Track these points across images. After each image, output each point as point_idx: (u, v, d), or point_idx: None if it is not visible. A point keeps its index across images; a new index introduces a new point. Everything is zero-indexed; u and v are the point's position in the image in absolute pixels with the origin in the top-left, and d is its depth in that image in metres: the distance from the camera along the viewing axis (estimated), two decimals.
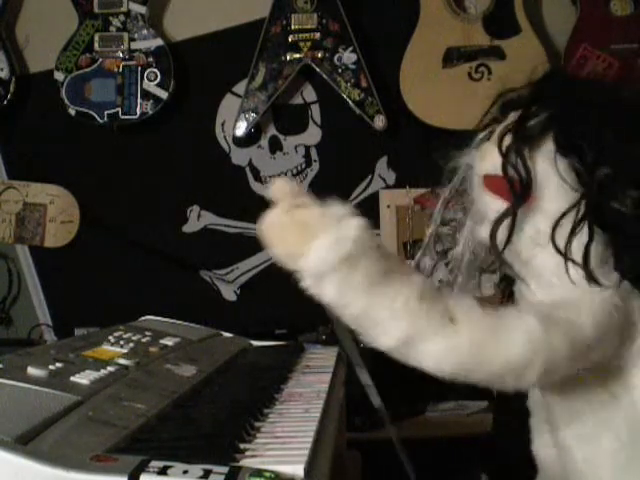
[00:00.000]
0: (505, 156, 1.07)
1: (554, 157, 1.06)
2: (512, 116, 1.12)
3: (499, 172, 1.08)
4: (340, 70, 2.50)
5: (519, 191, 1.06)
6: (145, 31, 2.56)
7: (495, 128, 1.14)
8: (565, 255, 1.04)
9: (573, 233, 1.04)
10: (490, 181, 1.11)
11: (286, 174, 2.64)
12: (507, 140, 1.09)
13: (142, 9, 2.56)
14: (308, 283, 0.98)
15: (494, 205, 1.09)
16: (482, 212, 1.13)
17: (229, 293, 2.65)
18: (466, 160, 1.15)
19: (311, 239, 0.95)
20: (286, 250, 0.97)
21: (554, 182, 1.06)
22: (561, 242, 1.05)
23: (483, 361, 0.95)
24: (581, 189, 1.04)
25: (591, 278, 1.03)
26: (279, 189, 1.00)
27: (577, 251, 1.04)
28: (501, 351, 0.94)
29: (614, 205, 1.04)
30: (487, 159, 1.11)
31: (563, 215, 1.05)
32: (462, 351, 0.94)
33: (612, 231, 1.05)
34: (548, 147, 1.07)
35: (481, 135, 1.17)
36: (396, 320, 0.93)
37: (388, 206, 2.60)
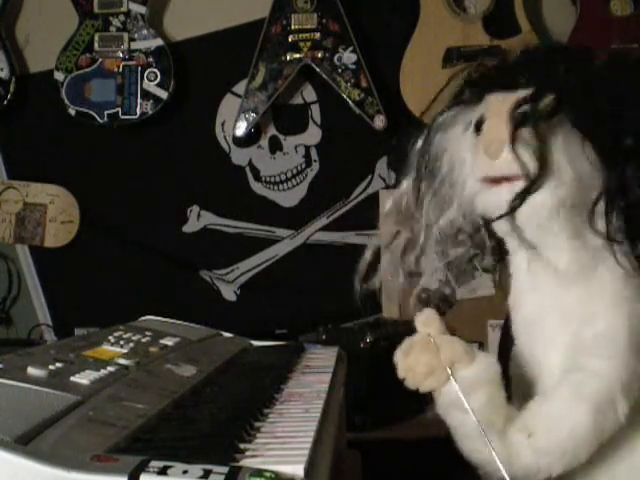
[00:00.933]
0: (516, 142, 1.03)
1: (571, 135, 1.04)
2: (497, 98, 1.08)
3: (512, 170, 1.05)
4: (340, 70, 2.50)
5: (532, 178, 1.03)
6: (145, 31, 2.56)
7: (465, 113, 1.12)
8: (608, 236, 1.03)
9: (610, 211, 1.02)
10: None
11: (286, 174, 2.64)
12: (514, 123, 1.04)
13: (142, 9, 2.56)
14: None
15: (500, 196, 1.07)
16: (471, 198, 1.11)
17: (229, 293, 2.65)
18: (433, 149, 1.13)
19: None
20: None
21: (575, 157, 1.04)
22: (599, 224, 1.04)
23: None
24: (604, 165, 1.03)
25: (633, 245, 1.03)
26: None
27: (616, 230, 1.03)
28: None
29: None
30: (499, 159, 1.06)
31: (598, 199, 1.03)
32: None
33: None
34: (564, 126, 1.04)
35: (444, 117, 1.14)
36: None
37: None
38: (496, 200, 1.07)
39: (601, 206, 1.03)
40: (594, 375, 1.01)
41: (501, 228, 1.11)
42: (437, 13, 2.50)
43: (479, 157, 1.07)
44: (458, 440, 1.05)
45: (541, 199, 1.04)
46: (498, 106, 1.07)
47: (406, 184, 1.17)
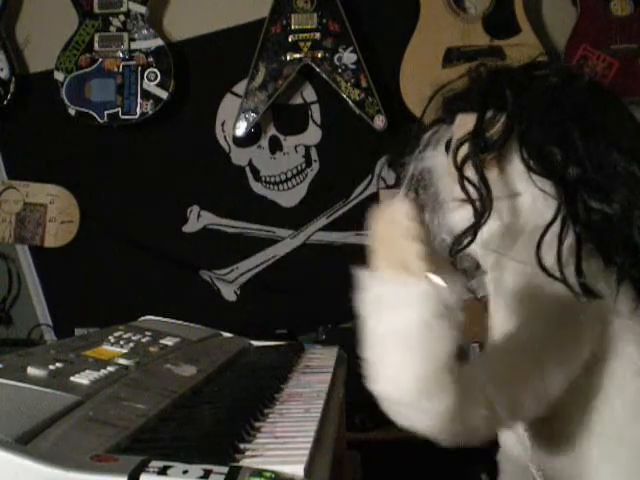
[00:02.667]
0: (461, 171, 1.06)
1: (522, 163, 1.06)
2: (460, 120, 1.10)
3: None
4: (340, 70, 2.50)
5: (480, 208, 1.05)
6: (145, 31, 2.56)
7: (442, 129, 1.13)
8: (561, 274, 1.03)
9: (560, 242, 1.03)
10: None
11: (286, 174, 2.64)
12: (463, 152, 1.07)
13: (142, 9, 2.56)
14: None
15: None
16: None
17: (229, 293, 2.65)
18: (422, 164, 1.14)
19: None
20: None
21: (524, 187, 1.06)
22: (548, 257, 1.04)
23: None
24: (555, 193, 1.04)
25: (586, 290, 1.03)
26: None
27: (567, 264, 1.03)
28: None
29: (596, 205, 1.03)
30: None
31: (548, 227, 1.04)
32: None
33: (598, 234, 1.04)
34: (512, 154, 1.07)
35: (427, 135, 1.15)
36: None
37: None
38: (456, 221, 1.09)
39: (552, 233, 1.04)
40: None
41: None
42: (437, 13, 2.50)
43: (448, 178, 1.10)
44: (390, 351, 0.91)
45: (491, 228, 1.06)
46: (460, 130, 1.10)
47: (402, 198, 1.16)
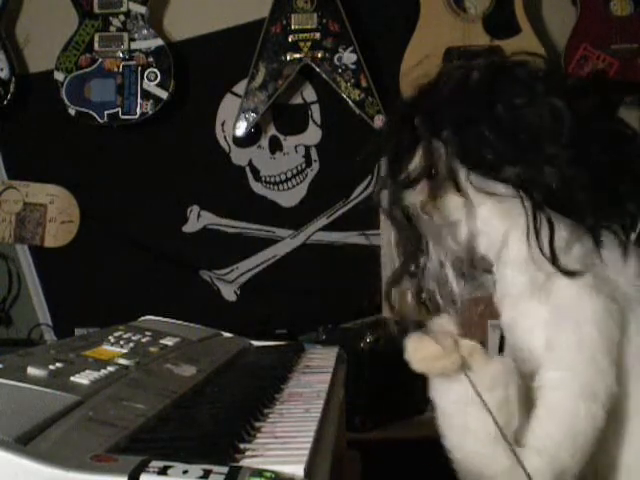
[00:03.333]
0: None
1: (465, 179, 1.07)
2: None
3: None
4: (340, 70, 2.50)
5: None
6: (145, 31, 2.56)
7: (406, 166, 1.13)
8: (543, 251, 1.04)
9: (538, 232, 1.04)
10: None
11: (286, 174, 2.64)
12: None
13: (142, 9, 2.56)
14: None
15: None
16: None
17: (229, 293, 2.65)
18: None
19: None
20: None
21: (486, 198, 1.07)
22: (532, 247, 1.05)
23: None
24: (514, 191, 1.05)
25: (563, 269, 1.04)
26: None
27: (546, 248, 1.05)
28: None
29: (560, 186, 1.03)
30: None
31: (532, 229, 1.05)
32: None
33: (573, 210, 1.05)
34: (455, 173, 1.08)
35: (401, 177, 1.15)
36: None
37: None
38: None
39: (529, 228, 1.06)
40: (553, 388, 1.03)
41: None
42: (437, 13, 2.50)
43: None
44: (457, 441, 1.02)
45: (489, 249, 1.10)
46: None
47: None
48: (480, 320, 1.19)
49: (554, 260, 1.04)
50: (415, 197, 1.10)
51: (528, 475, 0.95)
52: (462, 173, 1.07)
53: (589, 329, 1.03)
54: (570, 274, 1.04)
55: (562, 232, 1.05)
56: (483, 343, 1.05)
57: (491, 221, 1.08)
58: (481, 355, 1.01)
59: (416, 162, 1.09)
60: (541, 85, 1.07)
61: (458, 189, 1.07)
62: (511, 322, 1.12)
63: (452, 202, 1.09)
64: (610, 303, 1.04)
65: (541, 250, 1.04)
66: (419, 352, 1.02)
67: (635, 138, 1.09)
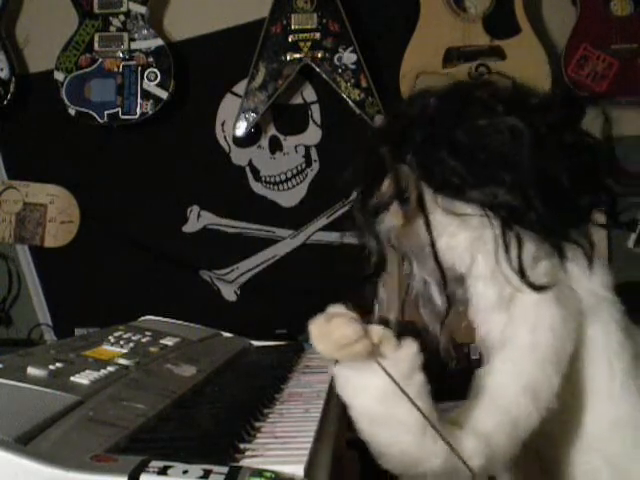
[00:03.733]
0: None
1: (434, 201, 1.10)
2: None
3: None
4: (340, 70, 2.50)
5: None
6: (145, 31, 2.56)
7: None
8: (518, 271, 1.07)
9: (507, 248, 1.07)
10: None
11: (286, 174, 2.64)
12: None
13: (142, 9, 2.56)
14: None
15: None
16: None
17: (229, 293, 2.65)
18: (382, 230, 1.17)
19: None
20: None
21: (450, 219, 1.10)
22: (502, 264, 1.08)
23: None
24: (482, 211, 1.08)
25: (530, 284, 1.07)
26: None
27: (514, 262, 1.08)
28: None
29: (506, 199, 1.06)
30: None
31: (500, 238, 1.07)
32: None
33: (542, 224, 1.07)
34: (429, 195, 1.11)
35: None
36: None
37: None
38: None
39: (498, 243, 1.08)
40: (499, 376, 1.05)
41: None
42: (437, 13, 2.50)
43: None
44: (389, 437, 0.97)
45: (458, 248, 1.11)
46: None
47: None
48: (466, 333, 1.20)
49: (522, 275, 1.06)
50: (390, 221, 1.14)
51: (463, 460, 0.95)
52: (429, 195, 1.10)
53: (545, 334, 1.05)
54: (537, 288, 1.06)
55: (529, 247, 1.08)
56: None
57: (458, 238, 1.10)
58: (391, 340, 0.96)
59: (385, 188, 1.12)
60: (501, 106, 1.10)
61: (425, 212, 1.10)
62: (484, 336, 1.13)
63: (423, 224, 1.12)
64: (569, 317, 1.07)
65: (510, 266, 1.07)
66: (327, 336, 0.95)
67: (597, 147, 1.13)
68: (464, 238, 1.10)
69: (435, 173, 1.08)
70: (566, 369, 1.06)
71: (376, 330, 0.96)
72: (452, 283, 1.16)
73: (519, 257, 1.06)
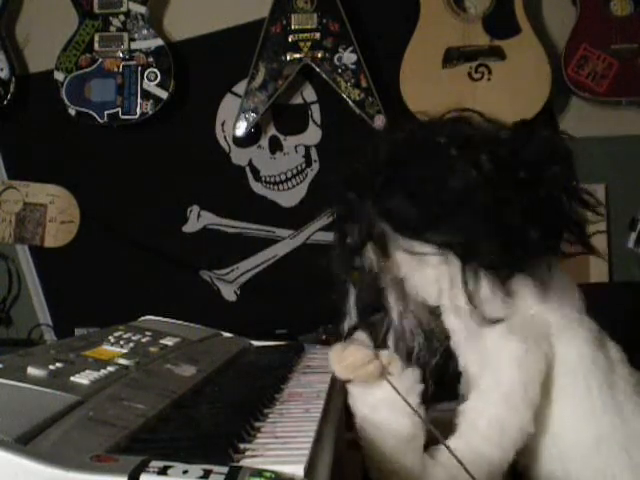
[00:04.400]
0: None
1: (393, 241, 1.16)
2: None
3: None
4: (340, 70, 2.50)
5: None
6: (145, 31, 2.56)
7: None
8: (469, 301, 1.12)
9: (465, 284, 1.11)
10: None
11: (286, 174, 2.64)
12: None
13: (142, 9, 2.56)
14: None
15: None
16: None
17: (229, 293, 2.65)
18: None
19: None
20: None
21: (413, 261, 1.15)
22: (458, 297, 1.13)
23: None
24: (440, 251, 1.13)
25: (483, 318, 1.12)
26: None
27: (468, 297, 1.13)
28: None
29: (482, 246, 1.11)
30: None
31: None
32: None
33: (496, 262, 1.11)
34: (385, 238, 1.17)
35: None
36: None
37: None
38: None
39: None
40: (470, 413, 1.12)
41: None
42: (437, 13, 2.50)
43: None
44: (379, 442, 1.08)
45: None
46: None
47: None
48: None
49: (473, 310, 1.11)
50: (369, 256, 1.20)
51: (466, 469, 0.99)
52: (391, 235, 1.16)
53: (508, 370, 1.11)
54: (493, 322, 1.11)
55: (486, 282, 1.11)
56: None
57: (424, 275, 1.16)
58: (399, 363, 1.11)
59: (356, 230, 1.18)
60: (455, 150, 1.14)
61: (385, 251, 1.17)
62: (463, 368, 1.19)
63: (394, 261, 1.18)
64: (534, 346, 1.11)
65: (465, 301, 1.12)
66: (343, 360, 1.11)
67: (556, 178, 1.14)
68: (429, 274, 1.16)
69: (393, 216, 1.14)
70: (538, 397, 1.10)
71: (385, 354, 1.12)
72: (428, 317, 1.23)
73: (475, 292, 1.11)
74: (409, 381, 1.10)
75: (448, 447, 1.03)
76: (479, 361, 1.15)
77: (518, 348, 1.11)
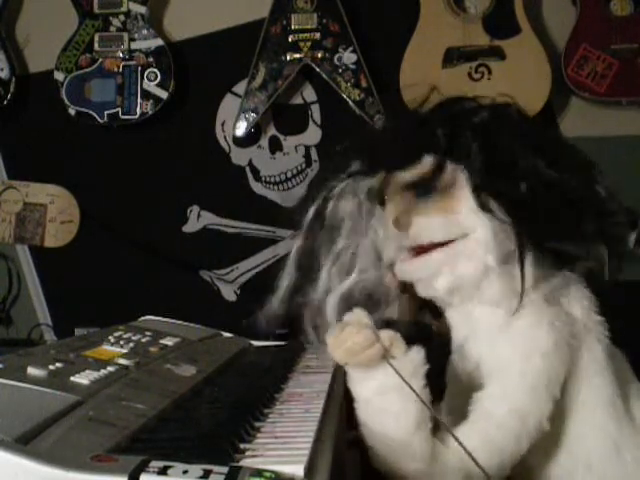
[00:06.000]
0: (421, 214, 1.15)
1: (474, 198, 1.11)
2: (398, 174, 1.16)
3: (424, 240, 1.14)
4: (340, 70, 2.50)
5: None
6: (145, 31, 2.56)
7: (357, 185, 1.18)
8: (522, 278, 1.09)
9: (522, 256, 1.09)
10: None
11: (286, 174, 2.64)
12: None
13: (142, 9, 2.56)
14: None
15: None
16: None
17: (229, 293, 2.65)
18: (336, 214, 1.23)
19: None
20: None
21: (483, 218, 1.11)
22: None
23: None
24: (512, 219, 1.09)
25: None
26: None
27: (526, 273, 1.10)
28: None
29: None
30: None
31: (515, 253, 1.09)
32: None
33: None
34: (459, 192, 1.12)
35: (339, 188, 1.21)
36: None
37: None
38: (412, 270, 1.17)
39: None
40: (488, 401, 1.08)
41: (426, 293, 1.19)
42: (437, 13, 2.50)
43: (391, 228, 1.16)
44: (378, 428, 1.04)
45: (462, 273, 1.12)
46: (399, 181, 1.16)
47: (299, 245, 1.23)
48: None
49: (511, 298, 1.09)
50: (390, 211, 1.16)
51: (469, 454, 0.96)
52: (467, 193, 1.11)
53: (536, 360, 1.08)
54: (532, 312, 1.10)
55: (532, 269, 1.10)
56: None
57: (486, 233, 1.11)
58: (401, 344, 1.04)
59: (422, 166, 1.13)
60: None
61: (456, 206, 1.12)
62: (481, 359, 1.15)
63: (436, 222, 1.13)
64: (562, 341, 1.09)
65: (515, 286, 1.09)
66: (343, 343, 1.04)
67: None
68: (486, 236, 1.11)
69: (495, 153, 1.10)
70: (559, 395, 1.08)
71: (387, 334, 1.04)
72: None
73: (523, 279, 1.08)
74: (412, 364, 1.03)
75: (453, 434, 1.00)
76: (496, 353, 1.12)
77: (550, 339, 1.09)
